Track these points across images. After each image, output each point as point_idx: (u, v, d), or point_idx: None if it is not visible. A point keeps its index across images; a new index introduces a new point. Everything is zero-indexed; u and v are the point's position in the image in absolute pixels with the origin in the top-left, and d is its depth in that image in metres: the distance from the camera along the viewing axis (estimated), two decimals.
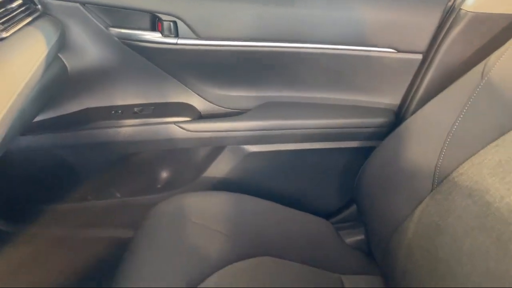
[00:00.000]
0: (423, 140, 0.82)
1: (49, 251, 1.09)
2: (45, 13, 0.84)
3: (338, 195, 1.10)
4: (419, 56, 0.92)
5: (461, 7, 0.86)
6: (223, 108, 1.03)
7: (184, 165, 1.08)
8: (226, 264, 0.82)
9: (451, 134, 0.78)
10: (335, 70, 0.96)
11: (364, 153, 0.95)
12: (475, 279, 0.62)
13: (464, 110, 0.77)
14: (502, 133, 0.70)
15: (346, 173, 1.05)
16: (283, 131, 0.99)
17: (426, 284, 0.72)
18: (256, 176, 1.06)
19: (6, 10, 0.72)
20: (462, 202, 0.70)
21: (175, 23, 0.89)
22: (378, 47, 0.92)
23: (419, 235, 0.77)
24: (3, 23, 0.70)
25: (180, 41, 0.90)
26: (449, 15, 0.87)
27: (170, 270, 0.78)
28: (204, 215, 0.90)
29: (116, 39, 0.91)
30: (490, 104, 0.74)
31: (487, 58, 0.78)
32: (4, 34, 0.69)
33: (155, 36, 0.90)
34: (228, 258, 0.83)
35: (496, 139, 0.71)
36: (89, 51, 0.91)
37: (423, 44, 0.91)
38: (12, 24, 0.73)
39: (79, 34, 0.88)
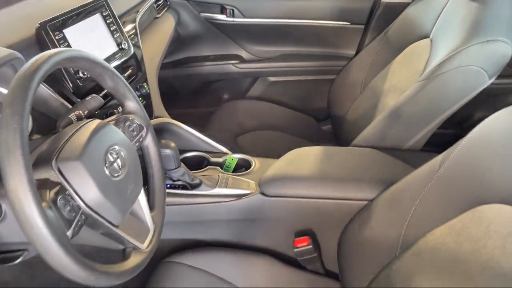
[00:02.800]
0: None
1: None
2: (171, 6, 1.64)
3: (319, 109, 1.82)
4: (362, 26, 1.64)
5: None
6: (257, 57, 1.80)
7: (236, 90, 1.87)
8: (251, 131, 1.59)
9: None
10: (317, 35, 1.70)
11: (330, 83, 1.68)
12: None
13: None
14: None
15: (323, 95, 1.78)
16: (289, 68, 1.75)
17: None
18: (274, 94, 1.82)
19: (157, 5, 1.52)
20: None
21: (232, 10, 1.66)
22: (340, 21, 1.65)
23: None
24: (157, 9, 1.50)
25: (235, 19, 1.68)
26: (375, 3, 1.58)
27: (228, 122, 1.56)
28: (246, 111, 1.68)
29: (203, 19, 1.70)
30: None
31: (390, 25, 1.48)
32: (158, 15, 1.50)
33: (222, 17, 1.69)
34: (254, 128, 1.60)
35: None
36: (189, 25, 1.71)
37: (363, 19, 1.62)
38: (159, 10, 1.53)
39: (185, 16, 1.69)
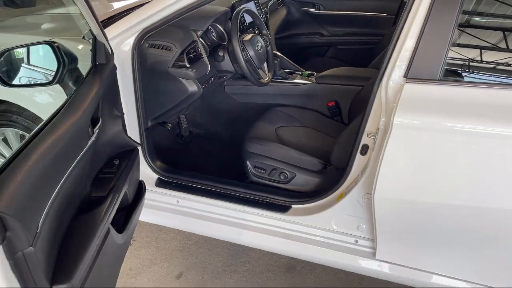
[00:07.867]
0: None
1: None
2: (284, 3, 2.80)
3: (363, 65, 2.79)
4: (393, 16, 2.60)
5: None
6: (331, 34, 2.86)
7: (318, 53, 2.94)
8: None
9: None
10: (366, 21, 2.71)
11: (372, 50, 2.64)
12: None
13: None
14: None
15: (367, 57, 2.75)
16: (348, 41, 2.79)
17: None
18: (340, 56, 2.85)
19: (278, 2, 2.68)
20: None
21: (319, 6, 2.76)
22: (380, 13, 2.64)
23: None
24: (278, 4, 2.66)
25: (320, 11, 2.79)
26: (401, 2, 2.54)
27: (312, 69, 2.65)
28: (323, 65, 2.75)
29: (302, 11, 2.83)
30: None
31: None
32: (278, 7, 2.66)
33: (313, 10, 2.82)
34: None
35: None
36: (294, 15, 2.86)
37: (394, 11, 2.59)
38: (279, 5, 2.69)
39: (292, 9, 2.84)
